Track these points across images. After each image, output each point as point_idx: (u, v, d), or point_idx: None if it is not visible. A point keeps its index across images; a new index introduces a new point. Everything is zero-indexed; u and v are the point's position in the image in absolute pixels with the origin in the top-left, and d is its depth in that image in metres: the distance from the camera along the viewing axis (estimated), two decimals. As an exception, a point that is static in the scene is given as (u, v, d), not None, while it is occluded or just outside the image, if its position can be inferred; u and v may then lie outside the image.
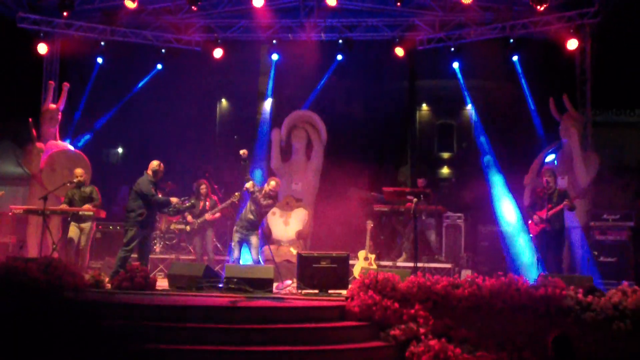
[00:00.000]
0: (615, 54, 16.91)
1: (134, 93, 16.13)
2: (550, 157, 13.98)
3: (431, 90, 20.17)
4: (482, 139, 15.08)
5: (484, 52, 15.60)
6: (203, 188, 12.78)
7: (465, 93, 15.59)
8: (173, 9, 15.66)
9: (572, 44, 14.00)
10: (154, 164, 11.02)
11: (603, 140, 19.63)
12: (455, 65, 15.48)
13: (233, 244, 10.99)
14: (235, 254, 10.97)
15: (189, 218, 12.62)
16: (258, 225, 11.20)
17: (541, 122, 14.80)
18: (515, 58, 14.96)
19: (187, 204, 11.28)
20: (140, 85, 16.23)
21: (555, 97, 14.03)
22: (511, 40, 14.85)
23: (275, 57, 16.11)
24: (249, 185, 10.81)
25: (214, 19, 16.03)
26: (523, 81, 14.98)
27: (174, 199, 11.03)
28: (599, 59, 14.50)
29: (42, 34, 14.98)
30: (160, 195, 11.02)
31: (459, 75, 15.50)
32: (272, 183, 11.02)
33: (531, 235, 11.26)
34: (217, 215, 12.59)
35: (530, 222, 11.20)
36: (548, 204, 10.71)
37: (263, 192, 10.91)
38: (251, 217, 10.95)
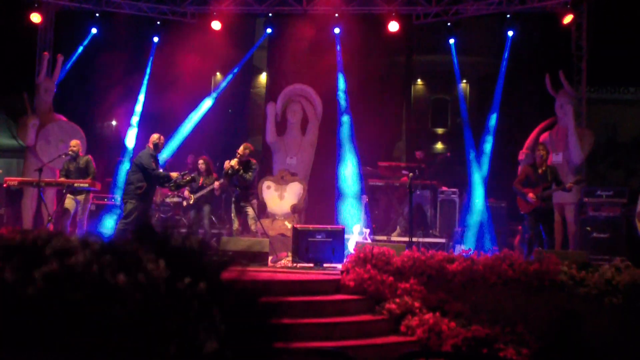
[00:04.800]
0: (612, 30, 16.89)
1: (129, 66, 16.00)
2: (544, 135, 13.99)
3: (426, 66, 20.12)
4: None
5: (480, 28, 15.56)
6: (201, 163, 12.74)
7: (457, 71, 15.53)
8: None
9: (568, 19, 13.99)
10: (155, 137, 11.00)
11: (597, 117, 19.67)
12: (451, 41, 15.43)
13: (232, 215, 11.13)
14: (235, 224, 11.08)
15: (186, 193, 12.62)
16: (252, 194, 11.35)
17: (532, 98, 14.84)
18: (510, 34, 14.92)
19: (188, 178, 11.31)
20: (135, 58, 16.10)
21: (551, 73, 14.02)
22: (508, 16, 14.81)
23: (269, 30, 16.03)
24: (233, 162, 10.97)
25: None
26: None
27: (173, 174, 11.06)
28: (595, 36, 14.49)
29: (36, 4, 14.83)
30: (160, 170, 11.03)
31: (454, 53, 15.44)
32: (240, 148, 11.18)
33: (522, 212, 11.14)
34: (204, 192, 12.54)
35: (518, 197, 11.03)
36: (543, 183, 10.67)
37: (238, 163, 11.06)
38: (244, 189, 11.11)
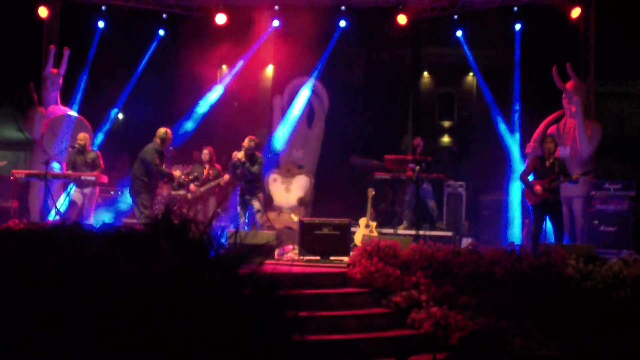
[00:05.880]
0: (619, 23, 16.79)
1: (137, 61, 16.01)
2: (552, 127, 13.93)
3: (433, 59, 20.06)
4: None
5: (487, 21, 15.49)
6: (206, 154, 12.71)
7: (471, 60, 15.48)
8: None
9: (576, 12, 13.92)
10: (161, 131, 10.97)
11: (605, 110, 19.58)
12: (459, 33, 15.38)
13: (238, 208, 11.13)
14: (242, 217, 11.09)
15: (192, 186, 12.62)
16: (258, 187, 11.34)
17: (539, 91, 14.75)
18: (517, 27, 14.85)
19: (190, 177, 11.31)
20: (144, 53, 16.09)
21: (558, 65, 13.95)
22: (515, 9, 14.75)
23: (276, 23, 15.99)
24: (240, 155, 10.96)
25: (215, -17, 15.87)
26: (517, 53, 14.87)
27: (176, 173, 11.07)
28: (602, 29, 14.42)
29: (42, -3, 14.84)
30: (164, 166, 11.02)
31: (464, 44, 15.39)
32: (245, 141, 11.17)
33: (529, 204, 11.13)
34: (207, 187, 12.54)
35: (525, 189, 11.01)
36: (551, 175, 10.63)
37: (244, 156, 11.04)
38: (249, 182, 11.10)
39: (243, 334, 0.58)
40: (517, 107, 14.73)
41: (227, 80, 16.32)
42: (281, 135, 15.50)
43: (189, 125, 15.76)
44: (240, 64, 16.25)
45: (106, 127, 15.24)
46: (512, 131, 14.69)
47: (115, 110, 15.79)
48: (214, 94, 16.08)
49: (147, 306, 0.56)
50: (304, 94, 15.67)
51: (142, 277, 0.58)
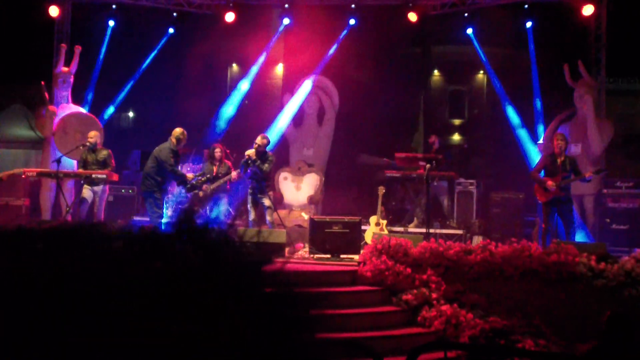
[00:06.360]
0: (630, 20, 16.69)
1: (147, 58, 16.07)
2: (563, 125, 13.88)
3: (443, 56, 20.01)
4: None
5: (497, 18, 15.44)
6: (217, 152, 12.67)
7: (484, 58, 15.44)
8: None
9: (588, 10, 13.84)
10: (177, 131, 10.95)
11: (616, 108, 19.47)
12: (469, 31, 15.34)
13: (249, 206, 11.14)
14: (252, 215, 11.10)
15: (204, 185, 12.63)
16: (269, 186, 11.37)
17: (551, 89, 14.69)
18: (528, 24, 14.80)
19: (202, 179, 11.32)
20: (153, 51, 16.15)
21: (569, 63, 13.89)
22: (526, 6, 14.70)
23: (286, 21, 15.99)
24: (250, 152, 10.97)
25: (226, -19, 15.90)
26: (532, 50, 14.81)
27: (189, 175, 11.10)
28: (613, 26, 14.34)
29: (53, -4, 14.90)
30: (178, 168, 11.04)
31: (474, 41, 15.35)
32: (257, 139, 11.19)
33: (539, 201, 11.05)
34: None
35: (536, 186, 10.92)
36: (562, 173, 10.58)
37: (255, 154, 11.05)
38: (260, 180, 11.11)
39: (265, 334, 0.59)
40: (538, 102, 14.64)
41: (237, 78, 16.37)
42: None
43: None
44: (250, 62, 16.28)
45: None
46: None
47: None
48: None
49: (170, 306, 0.56)
50: (304, 90, 15.70)
51: (165, 277, 0.59)
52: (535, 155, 14.03)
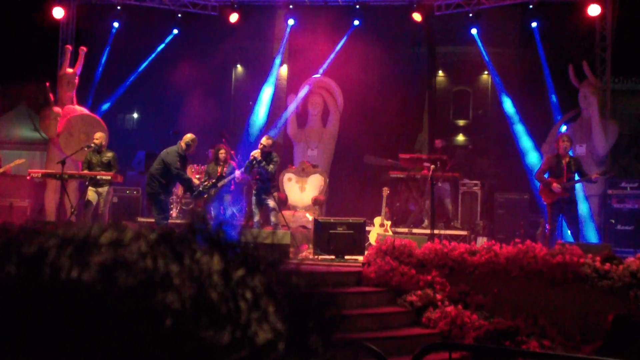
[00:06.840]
0: (636, 20, 16.66)
1: (151, 59, 16.10)
2: (564, 128, 13.84)
3: (447, 57, 20.01)
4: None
5: (500, 19, 15.42)
6: (222, 153, 12.66)
7: (487, 58, 15.40)
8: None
9: (594, 10, 13.76)
10: (188, 137, 10.99)
11: (621, 108, 19.43)
12: (474, 31, 15.31)
13: (253, 207, 11.15)
14: (256, 217, 11.10)
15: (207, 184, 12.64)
16: (273, 187, 11.37)
17: (557, 90, 14.63)
18: (534, 24, 14.76)
19: (208, 184, 11.34)
20: (157, 51, 16.18)
21: (574, 63, 13.86)
22: (530, 6, 14.68)
23: (291, 22, 15.99)
24: (256, 153, 10.97)
25: (230, -18, 15.91)
26: (540, 49, 14.77)
27: (195, 181, 11.15)
28: (618, 26, 14.30)
29: (58, -2, 14.94)
30: (184, 173, 11.06)
31: (479, 41, 15.33)
32: (263, 140, 11.21)
33: (545, 203, 11.01)
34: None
35: (541, 187, 10.89)
36: (567, 174, 10.54)
37: (260, 154, 11.04)
38: (265, 181, 11.12)
39: (284, 335, 0.59)
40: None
41: (241, 78, 16.38)
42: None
43: (203, 123, 15.88)
44: (254, 63, 16.30)
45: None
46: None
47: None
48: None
49: (189, 308, 0.56)
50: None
51: (183, 279, 0.59)
52: (534, 156, 14.03)
